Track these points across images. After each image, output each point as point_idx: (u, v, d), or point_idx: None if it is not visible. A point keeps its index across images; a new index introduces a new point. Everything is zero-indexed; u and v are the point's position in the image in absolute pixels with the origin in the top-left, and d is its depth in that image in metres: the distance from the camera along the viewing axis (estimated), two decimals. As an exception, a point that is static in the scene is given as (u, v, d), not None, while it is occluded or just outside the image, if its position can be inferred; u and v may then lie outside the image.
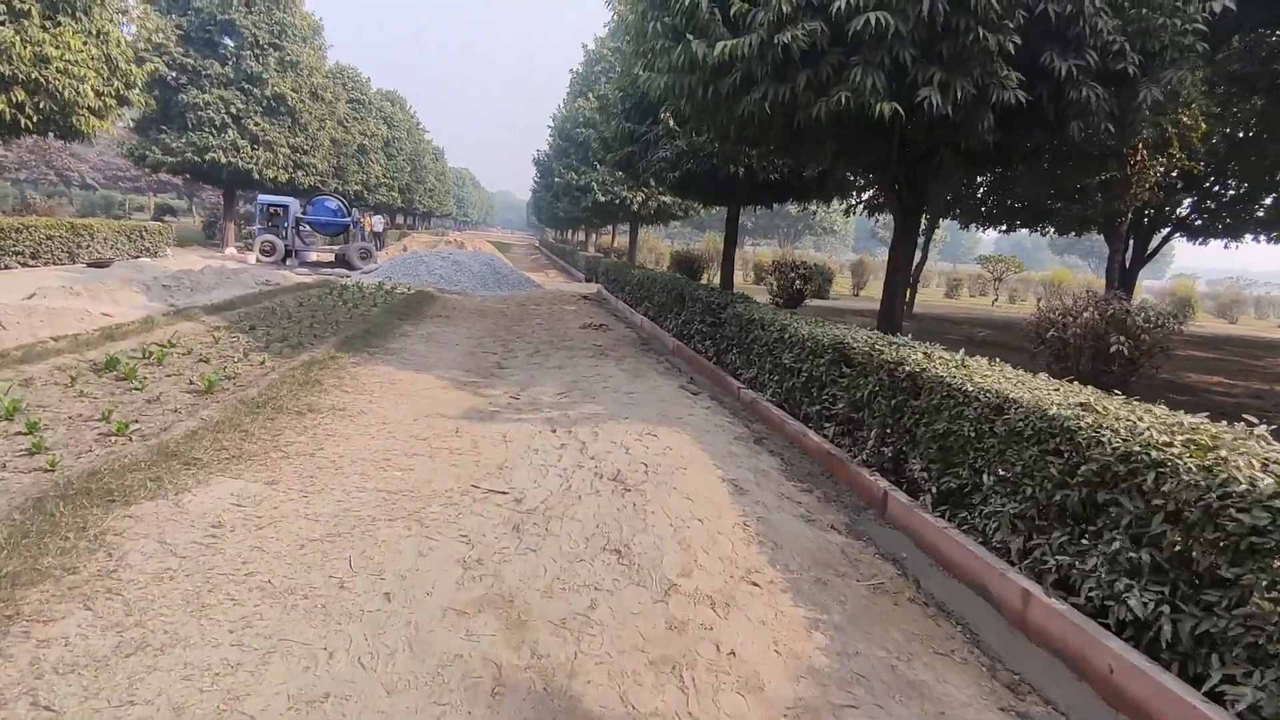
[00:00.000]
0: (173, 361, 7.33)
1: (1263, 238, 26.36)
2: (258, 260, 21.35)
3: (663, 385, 8.08)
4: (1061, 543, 3.32)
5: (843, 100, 6.86)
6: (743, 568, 3.65)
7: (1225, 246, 27.45)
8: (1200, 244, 27.68)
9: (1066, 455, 3.29)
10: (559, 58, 34.26)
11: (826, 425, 5.91)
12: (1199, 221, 23.95)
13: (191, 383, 6.52)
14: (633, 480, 4.73)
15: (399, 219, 65.74)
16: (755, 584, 3.50)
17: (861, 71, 6.69)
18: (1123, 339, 6.07)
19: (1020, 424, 3.56)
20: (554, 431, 5.99)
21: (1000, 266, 37.05)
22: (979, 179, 22.58)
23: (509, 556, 3.66)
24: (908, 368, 4.69)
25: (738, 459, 5.44)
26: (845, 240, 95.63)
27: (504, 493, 4.57)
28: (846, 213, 23.93)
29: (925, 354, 4.85)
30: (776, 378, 7.03)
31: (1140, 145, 14.48)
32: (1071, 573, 3.25)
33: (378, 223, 38.49)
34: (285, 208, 22.09)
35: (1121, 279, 25.70)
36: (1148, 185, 14.81)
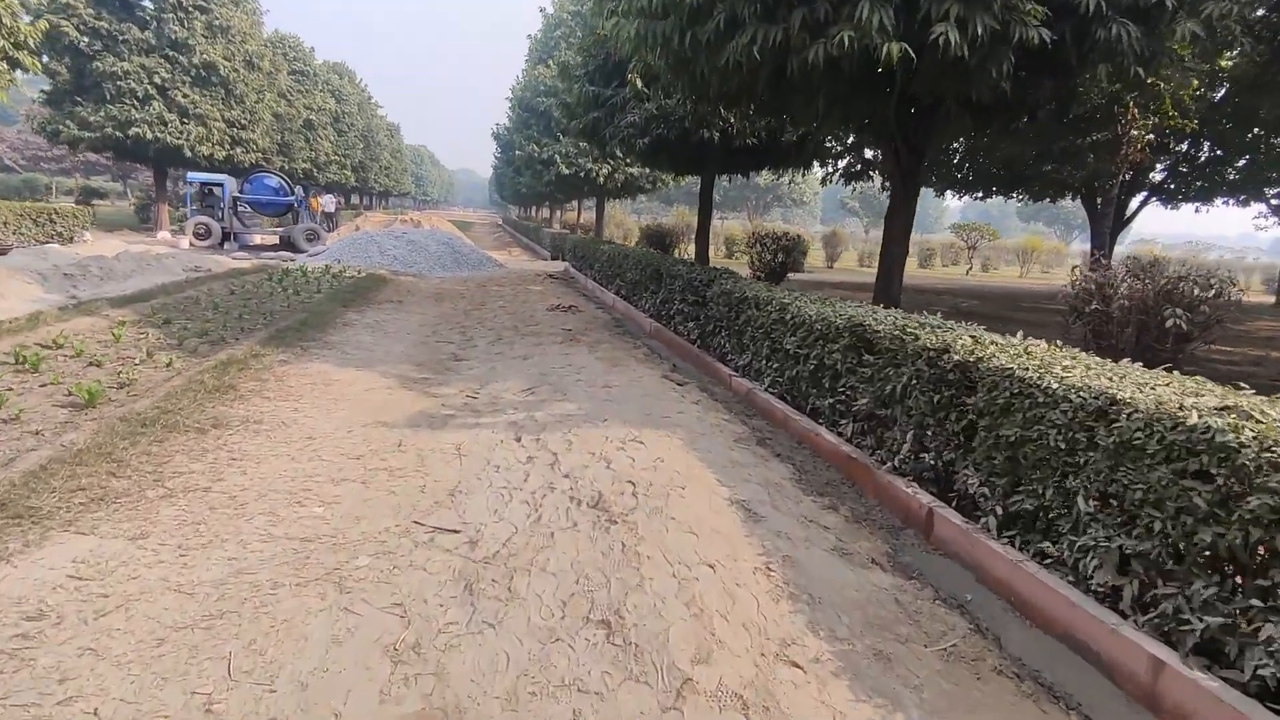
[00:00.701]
0: (54, 367, 6.07)
1: (1231, 201, 26.38)
2: (191, 244, 19.60)
3: (644, 375, 7.09)
4: (1208, 598, 2.46)
5: (845, 42, 5.90)
6: (776, 639, 2.72)
7: (1195, 211, 27.49)
8: (1171, 208, 27.63)
9: (1219, 481, 2.42)
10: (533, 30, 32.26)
11: (842, 422, 5.02)
12: (1171, 185, 23.80)
13: (70, 394, 5.31)
14: (619, 507, 3.76)
15: (354, 199, 62.99)
16: (797, 665, 2.58)
17: (867, 7, 5.74)
18: (1179, 312, 5.30)
19: (1139, 435, 2.67)
20: (519, 440, 4.97)
21: (974, 235, 36.71)
22: (954, 145, 21.91)
23: (457, 638, 2.66)
24: (955, 356, 3.78)
25: (743, 469, 4.51)
26: (813, 212, 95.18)
27: (455, 531, 3.56)
28: (824, 181, 23.08)
29: (974, 338, 3.94)
30: (776, 365, 6.10)
31: (1131, 103, 13.85)
32: (1226, 639, 2.39)
33: (329, 203, 36.43)
34: (220, 186, 20.30)
35: (1100, 244, 25.49)
36: (1138, 145, 14.21)
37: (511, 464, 4.52)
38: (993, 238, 38.71)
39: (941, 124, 8.37)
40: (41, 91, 26.08)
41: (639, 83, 14.18)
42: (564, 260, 26.21)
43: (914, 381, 4.09)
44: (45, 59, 24.26)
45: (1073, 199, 27.78)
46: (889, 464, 4.31)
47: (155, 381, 5.87)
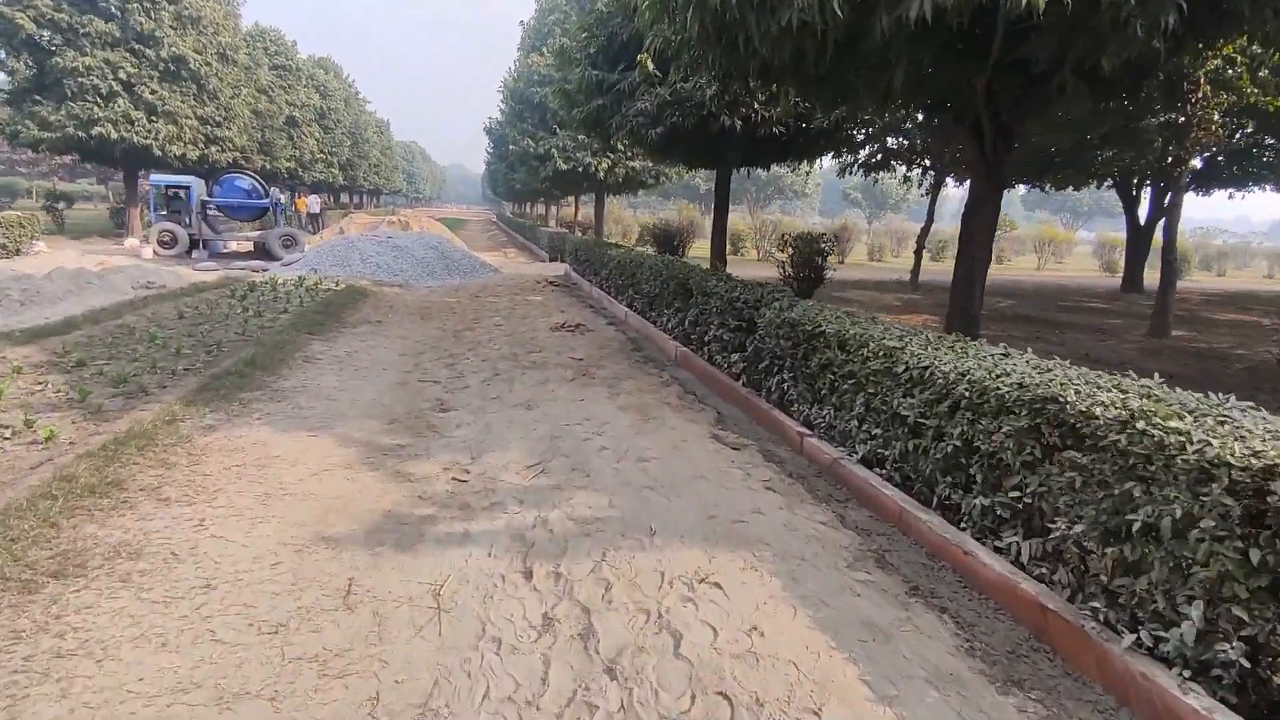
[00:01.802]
0: (-118, 450, 4.39)
1: (1268, 187, 24.97)
2: (155, 254, 17.84)
3: (687, 435, 5.43)
4: None
5: (971, -14, 4.27)
6: None
7: (1230, 197, 26.12)
8: (1203, 195, 26.22)
9: None
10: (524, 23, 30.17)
11: (1005, 532, 3.37)
12: (1210, 170, 22.42)
13: (-125, 505, 3.63)
14: (717, 775, 2.10)
15: (343, 197, 61.14)
16: None
17: (1007, -67, 4.09)
18: None
19: None
20: (529, 577, 3.31)
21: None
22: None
23: None
24: (1313, 491, 2.12)
25: (887, 640, 2.84)
26: (813, 204, 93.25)
27: None
28: (841, 172, 21.40)
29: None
30: (878, 431, 4.43)
31: (1203, 79, 12.22)
32: None
33: (314, 203, 34.71)
34: (186, 189, 18.52)
35: (1137, 236, 23.79)
36: (1212, 127, 12.56)
37: (520, 636, 2.85)
38: (1010, 229, 37.01)
39: (1049, 99, 6.69)
40: (0, 90, 24.27)
41: (650, 64, 12.48)
42: (563, 262, 24.54)
43: (1197, 516, 2.43)
44: (2, 55, 22.54)
45: (1098, 187, 26.08)
46: (1130, 636, 2.65)
47: (18, 471, 4.19)
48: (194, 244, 18.34)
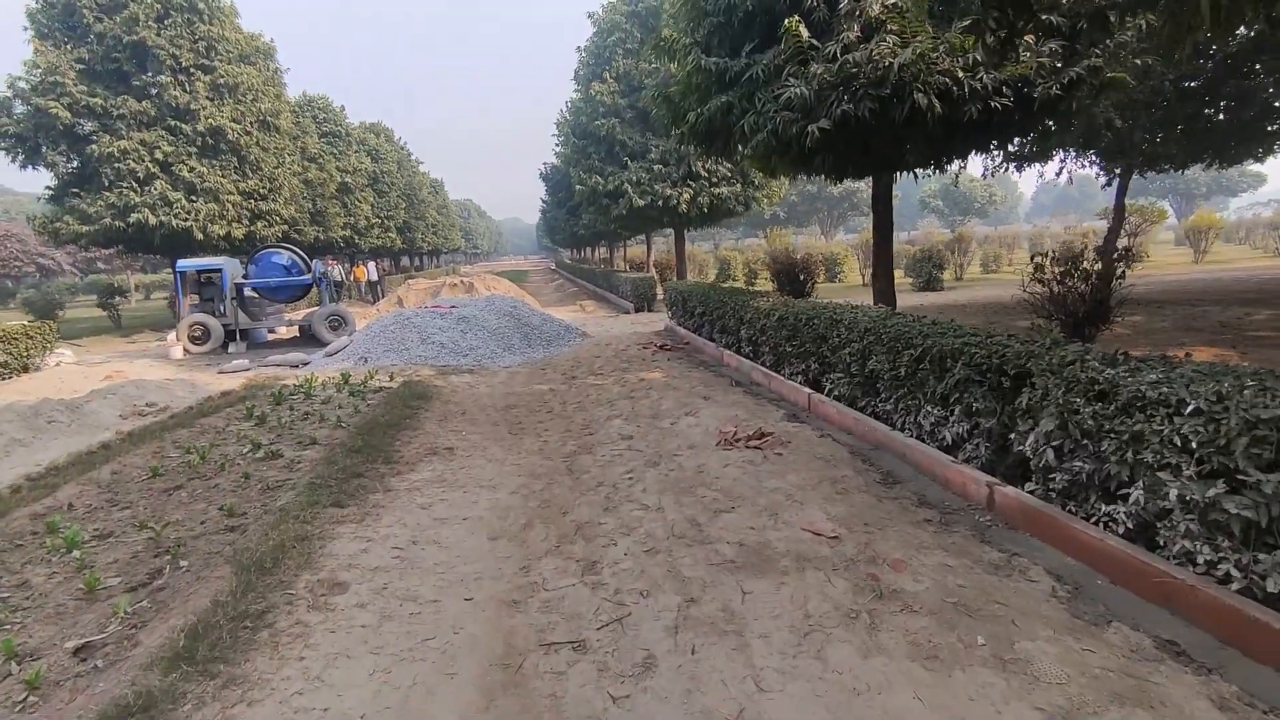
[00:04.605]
0: None
1: None
2: (186, 352, 15.15)
3: None
4: None
5: None
6: None
7: None
8: None
9: None
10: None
11: None
12: None
13: None
14: None
15: (403, 260, 60.13)
16: None
17: None
18: None
19: None
20: None
21: (1135, 220, 29.47)
22: (1153, 108, 15.71)
23: None
24: None
25: None
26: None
27: None
28: (991, 173, 17.13)
29: None
30: None
31: None
32: None
33: (371, 270, 32.67)
34: (218, 272, 15.89)
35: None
36: None
37: None
38: (1160, 219, 31.30)
39: None
40: (46, 188, 22.88)
41: (804, 30, 8.77)
42: (650, 311, 20.95)
43: None
44: (43, 149, 21.05)
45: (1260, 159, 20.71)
46: None
47: None
48: (230, 336, 15.60)
